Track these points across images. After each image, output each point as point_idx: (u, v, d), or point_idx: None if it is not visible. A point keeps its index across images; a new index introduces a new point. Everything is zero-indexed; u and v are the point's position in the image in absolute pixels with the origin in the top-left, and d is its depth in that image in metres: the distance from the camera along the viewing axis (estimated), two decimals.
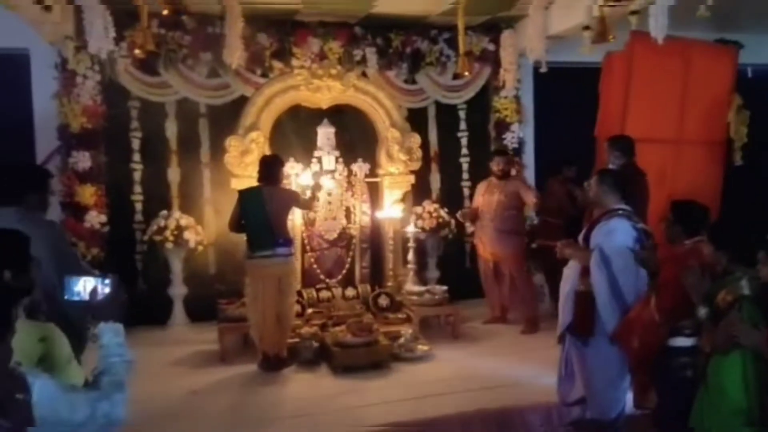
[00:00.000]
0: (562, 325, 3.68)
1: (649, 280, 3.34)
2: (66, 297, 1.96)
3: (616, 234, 3.46)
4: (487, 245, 5.72)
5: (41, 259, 2.11)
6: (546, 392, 3.93)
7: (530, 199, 5.59)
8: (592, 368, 3.53)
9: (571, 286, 3.64)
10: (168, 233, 5.57)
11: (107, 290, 1.93)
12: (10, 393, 1.34)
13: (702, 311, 2.78)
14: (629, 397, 3.50)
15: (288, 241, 4.79)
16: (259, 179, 4.78)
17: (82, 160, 5.57)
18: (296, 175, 5.66)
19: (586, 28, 4.79)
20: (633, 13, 4.50)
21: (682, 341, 3.00)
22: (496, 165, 5.73)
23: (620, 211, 3.59)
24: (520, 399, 4.00)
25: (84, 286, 1.93)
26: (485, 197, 5.74)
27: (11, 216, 2.85)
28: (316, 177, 5.68)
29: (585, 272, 3.53)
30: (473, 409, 3.83)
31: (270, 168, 4.77)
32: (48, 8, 4.07)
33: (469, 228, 6.26)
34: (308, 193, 5.47)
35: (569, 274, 3.71)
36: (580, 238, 3.68)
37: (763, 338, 2.49)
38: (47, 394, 1.51)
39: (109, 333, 1.86)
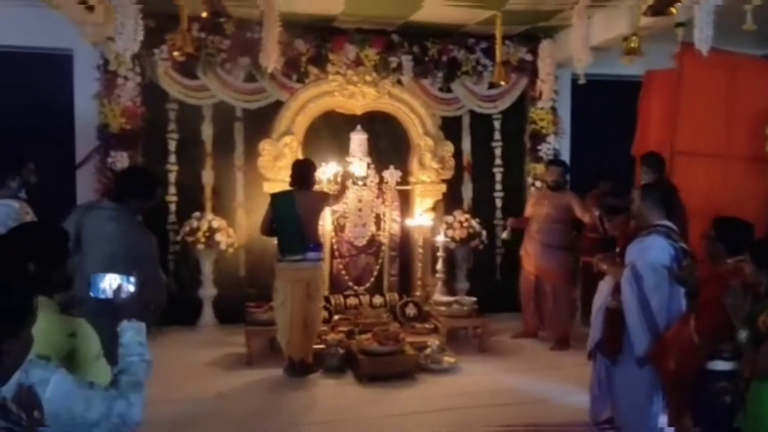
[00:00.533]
0: (592, 341, 3.59)
1: (689, 300, 3.23)
2: (92, 294, 1.96)
3: (651, 251, 3.36)
4: (531, 258, 5.61)
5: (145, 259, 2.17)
6: (575, 410, 3.85)
7: (586, 218, 5.39)
8: (620, 389, 3.44)
9: (604, 301, 3.56)
10: (200, 235, 5.63)
11: (131, 288, 1.93)
12: (29, 409, 1.34)
13: (742, 334, 2.67)
14: (663, 420, 3.38)
15: (318, 246, 4.79)
16: (292, 183, 4.80)
17: (120, 159, 5.68)
18: (328, 181, 5.65)
19: (626, 39, 4.69)
20: (679, 25, 4.39)
21: (722, 365, 2.88)
22: (550, 175, 5.63)
23: (660, 228, 3.49)
24: (548, 416, 3.92)
25: (110, 283, 1.94)
26: (535, 208, 5.65)
27: (108, 213, 3.11)
28: (345, 166, 5.62)
29: (618, 288, 3.44)
30: (501, 425, 3.74)
31: (302, 172, 4.77)
32: (91, 8, 4.16)
33: (503, 235, 6.05)
34: (337, 184, 5.41)
35: (603, 288, 3.63)
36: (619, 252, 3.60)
37: None
38: (62, 389, 1.51)
39: (131, 331, 1.85)
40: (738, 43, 5.91)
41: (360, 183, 5.77)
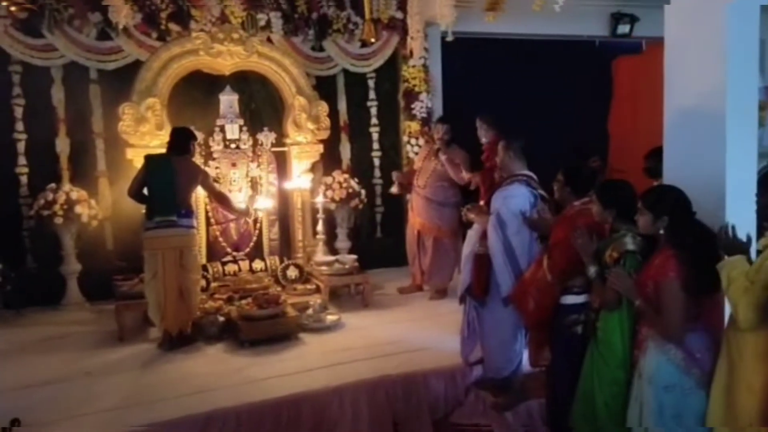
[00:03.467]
0: (462, 286, 3.76)
1: (541, 242, 3.44)
2: None
3: (513, 199, 3.56)
4: (416, 214, 5.67)
5: None
6: (452, 355, 4.01)
7: (459, 179, 5.49)
8: (488, 329, 3.65)
9: (472, 248, 3.72)
10: (57, 208, 5.20)
11: None
12: None
13: (591, 270, 2.89)
14: (525, 355, 3.62)
15: (190, 212, 4.59)
16: (169, 149, 4.63)
17: None
18: (198, 145, 5.41)
19: None
20: None
21: (572, 299, 3.11)
22: (436, 133, 5.63)
23: (521, 177, 3.68)
24: (425, 363, 4.05)
25: None
26: (422, 164, 5.70)
27: None
28: (252, 199, 5.47)
29: (485, 235, 3.61)
30: (377, 376, 3.84)
31: (180, 139, 4.63)
32: None
33: (392, 190, 6.00)
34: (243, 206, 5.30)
35: (472, 236, 3.80)
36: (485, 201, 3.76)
37: (632, 284, 2.62)
38: None
39: None
40: (590, 1, 6.30)
41: (233, 146, 5.58)
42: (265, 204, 5.57)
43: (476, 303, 3.73)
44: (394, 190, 5.99)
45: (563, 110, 6.98)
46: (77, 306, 5.47)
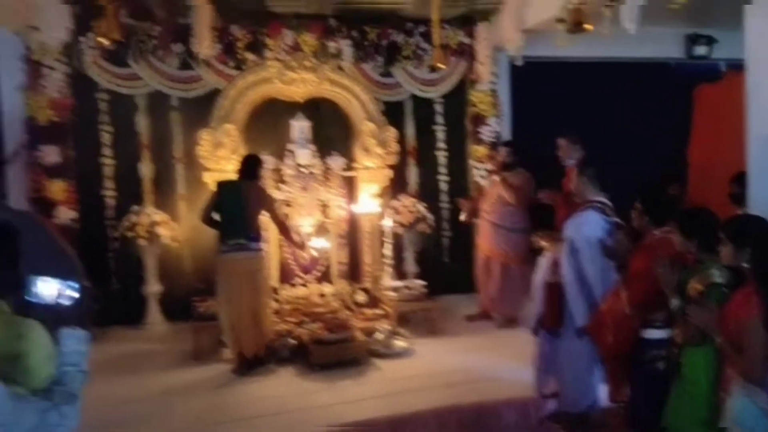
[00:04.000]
0: (535, 316, 3.68)
1: (619, 272, 3.33)
2: (26, 298, 1.86)
3: (586, 226, 3.49)
4: (483, 239, 5.66)
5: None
6: (524, 386, 3.93)
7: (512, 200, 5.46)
8: (562, 361, 3.55)
9: (544, 277, 3.65)
10: (140, 229, 5.45)
11: (72, 294, 1.82)
12: None
13: (674, 302, 2.77)
14: (603, 390, 3.50)
15: (259, 236, 4.71)
16: (240, 176, 4.79)
17: (50, 154, 5.43)
18: (270, 170, 5.58)
19: (561, 20, 4.76)
20: (608, 5, 4.48)
21: (654, 333, 2.99)
22: (498, 157, 5.64)
23: (595, 203, 3.60)
24: (497, 394, 3.99)
25: (46, 287, 1.83)
26: (489, 189, 5.69)
27: None
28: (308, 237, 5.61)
29: (557, 263, 3.54)
30: (449, 405, 3.79)
31: (251, 165, 4.80)
32: None
33: (461, 217, 6.00)
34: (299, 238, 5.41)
35: (543, 264, 3.73)
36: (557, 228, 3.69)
37: (712, 318, 2.48)
38: None
39: (70, 340, 1.76)
40: (663, 22, 6.13)
41: (304, 171, 5.71)
42: (321, 244, 5.65)
43: (550, 334, 3.64)
44: (463, 218, 5.98)
45: (636, 135, 6.77)
46: (157, 325, 5.68)
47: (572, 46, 5.81)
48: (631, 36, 4.47)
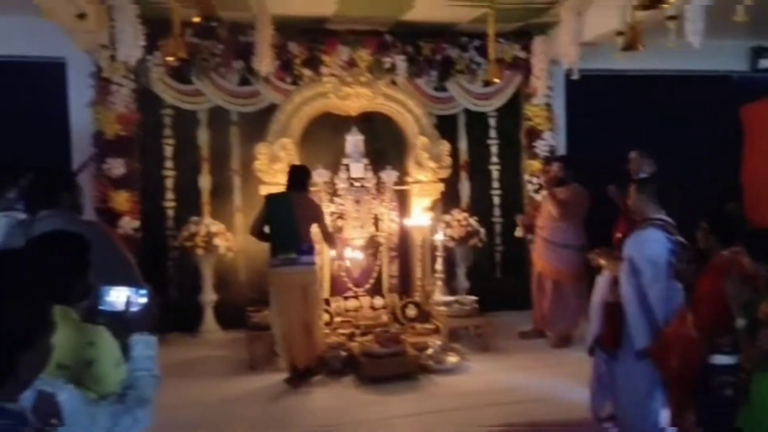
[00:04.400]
0: (592, 336, 3.59)
1: (686, 294, 3.22)
2: (99, 306, 1.94)
3: (648, 244, 3.36)
4: (537, 255, 5.61)
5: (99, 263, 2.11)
6: (577, 407, 3.84)
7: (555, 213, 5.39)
8: (621, 384, 3.44)
9: (602, 296, 3.56)
10: (198, 239, 5.62)
11: (142, 301, 1.90)
12: (47, 416, 1.33)
13: (740, 322, 2.67)
14: (665, 415, 3.38)
15: (312, 249, 4.72)
16: (288, 187, 4.79)
17: (116, 166, 5.67)
18: (324, 183, 5.67)
19: (620, 33, 4.69)
20: (670, 18, 4.39)
21: (722, 359, 2.88)
22: (550, 172, 5.60)
23: (656, 221, 3.49)
24: (550, 414, 3.91)
25: (117, 296, 1.91)
26: (542, 205, 5.64)
27: (58, 218, 2.78)
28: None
29: (616, 283, 3.45)
30: (502, 424, 3.74)
31: (298, 176, 4.77)
32: (82, 16, 4.14)
33: (517, 233, 5.97)
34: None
35: (601, 283, 3.63)
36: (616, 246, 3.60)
37: None
38: (70, 406, 1.50)
39: (141, 345, 1.84)
40: (728, 35, 5.93)
41: (357, 184, 5.77)
42: (354, 256, 5.69)
43: (607, 355, 3.55)
44: (518, 233, 5.94)
45: (695, 150, 6.57)
46: (212, 334, 5.83)
47: (629, 59, 5.72)
48: (693, 48, 4.37)
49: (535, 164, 6.61)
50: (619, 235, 4.55)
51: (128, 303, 1.89)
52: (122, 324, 1.93)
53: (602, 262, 3.64)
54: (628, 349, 3.40)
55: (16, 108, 5.53)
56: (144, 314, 1.89)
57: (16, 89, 5.64)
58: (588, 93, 6.38)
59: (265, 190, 5.55)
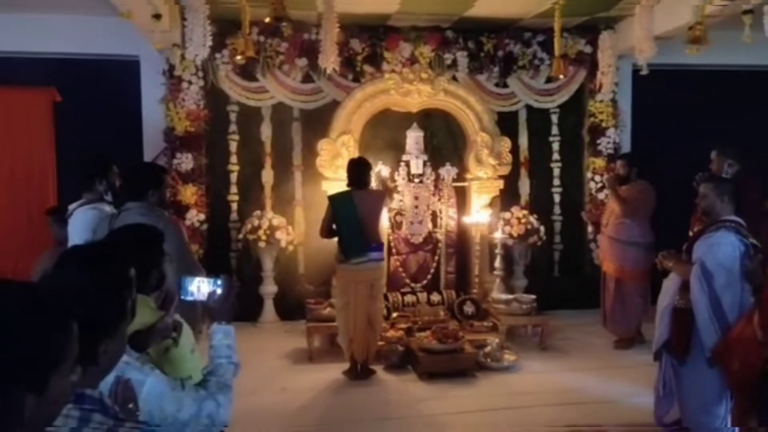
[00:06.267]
0: (658, 341, 3.50)
1: (755, 296, 3.10)
2: (182, 296, 2.05)
3: (720, 247, 3.24)
4: (602, 253, 5.56)
5: (170, 253, 2.23)
6: (640, 411, 3.77)
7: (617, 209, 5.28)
8: (687, 390, 3.34)
9: (670, 300, 3.45)
10: (261, 233, 5.77)
11: (219, 291, 1.99)
12: (125, 402, 1.41)
13: None
14: (730, 422, 3.27)
15: (380, 246, 4.74)
16: (349, 183, 4.72)
17: (185, 161, 5.90)
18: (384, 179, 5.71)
19: (692, 28, 4.53)
20: (746, 12, 4.22)
21: None
22: (616, 170, 5.54)
23: (728, 223, 3.37)
24: (612, 417, 3.84)
25: (198, 286, 2.01)
26: (609, 202, 5.56)
27: (138, 211, 3.02)
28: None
29: (685, 287, 3.34)
30: (560, 425, 3.71)
31: (358, 170, 4.69)
32: (158, 17, 4.33)
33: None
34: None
35: (669, 287, 3.52)
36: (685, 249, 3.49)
37: None
38: (157, 391, 1.60)
39: (220, 334, 1.92)
40: None
41: (416, 180, 5.79)
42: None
43: (674, 361, 3.45)
44: (585, 217, 6.22)
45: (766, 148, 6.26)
46: (272, 324, 5.99)
47: (701, 54, 5.51)
48: (766, 42, 4.18)
49: (598, 162, 6.48)
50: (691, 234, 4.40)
51: (210, 293, 1.98)
52: (195, 313, 2.02)
53: (669, 264, 3.54)
54: (698, 354, 3.29)
55: (93, 104, 5.79)
56: (223, 304, 1.98)
57: (92, 86, 5.90)
58: (655, 88, 6.18)
59: (326, 186, 5.64)
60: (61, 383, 1.00)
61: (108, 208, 3.43)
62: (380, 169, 5.54)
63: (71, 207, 3.59)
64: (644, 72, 5.48)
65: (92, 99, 5.77)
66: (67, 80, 5.86)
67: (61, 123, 5.93)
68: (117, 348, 1.46)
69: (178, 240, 3.07)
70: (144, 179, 3.24)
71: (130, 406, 1.42)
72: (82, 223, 3.37)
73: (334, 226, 4.62)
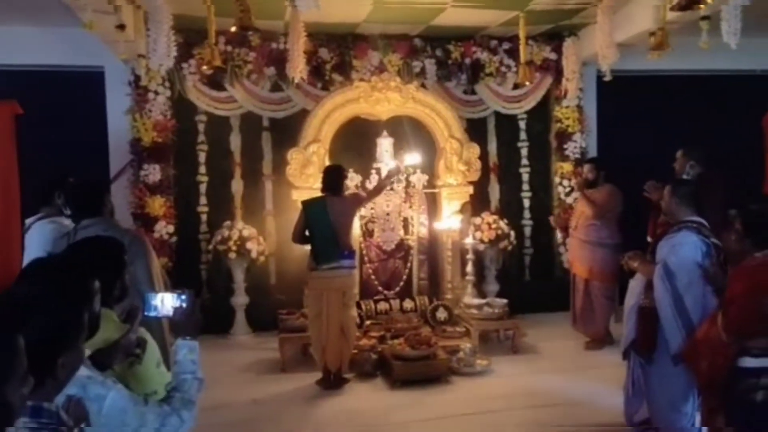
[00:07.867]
0: (626, 341, 3.56)
1: (718, 296, 3.18)
2: (145, 312, 2.01)
3: (682, 247, 3.32)
4: (571, 255, 5.68)
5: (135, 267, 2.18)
6: (610, 412, 3.81)
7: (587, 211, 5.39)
8: (654, 387, 3.40)
9: (636, 300, 3.52)
10: (231, 243, 5.72)
11: (184, 305, 1.96)
12: (77, 421, 1.39)
13: None
14: (698, 420, 3.34)
15: (352, 253, 4.75)
16: (323, 189, 4.76)
17: (153, 172, 5.82)
18: (356, 187, 5.72)
19: (653, 34, 4.65)
20: (704, 18, 4.33)
21: (751, 362, 2.82)
22: (583, 173, 5.64)
23: (690, 224, 3.45)
24: (583, 418, 3.89)
25: (161, 301, 1.98)
26: (577, 205, 5.68)
27: (101, 227, 2.93)
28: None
29: (650, 286, 3.41)
30: (534, 427, 3.73)
31: (333, 177, 4.73)
32: (122, 27, 4.27)
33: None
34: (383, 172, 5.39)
35: (635, 287, 3.59)
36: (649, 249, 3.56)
37: None
38: (119, 406, 1.57)
39: (184, 349, 1.90)
40: (764, 33, 5.81)
41: (387, 188, 5.79)
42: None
43: (642, 359, 3.51)
44: (553, 223, 6.32)
45: (728, 152, 6.42)
46: (244, 336, 5.93)
47: (663, 60, 5.66)
48: (727, 48, 4.29)
49: (566, 166, 6.58)
50: (649, 238, 4.49)
51: (174, 308, 1.95)
52: (175, 328, 1.99)
53: (634, 264, 3.61)
54: (664, 353, 3.36)
55: (56, 116, 5.69)
56: (188, 319, 1.95)
57: (56, 98, 5.80)
58: (619, 94, 6.31)
59: (296, 195, 5.62)
60: (13, 397, 0.98)
61: (67, 222, 3.37)
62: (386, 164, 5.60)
63: (28, 221, 3.54)
64: (608, 78, 5.58)
65: (56, 111, 5.68)
66: (30, 92, 5.70)
67: (24, 136, 5.79)
68: (74, 361, 1.43)
69: (145, 258, 3.01)
70: (92, 194, 3.13)
71: (82, 425, 1.39)
72: (40, 237, 3.33)
73: (306, 232, 4.64)
